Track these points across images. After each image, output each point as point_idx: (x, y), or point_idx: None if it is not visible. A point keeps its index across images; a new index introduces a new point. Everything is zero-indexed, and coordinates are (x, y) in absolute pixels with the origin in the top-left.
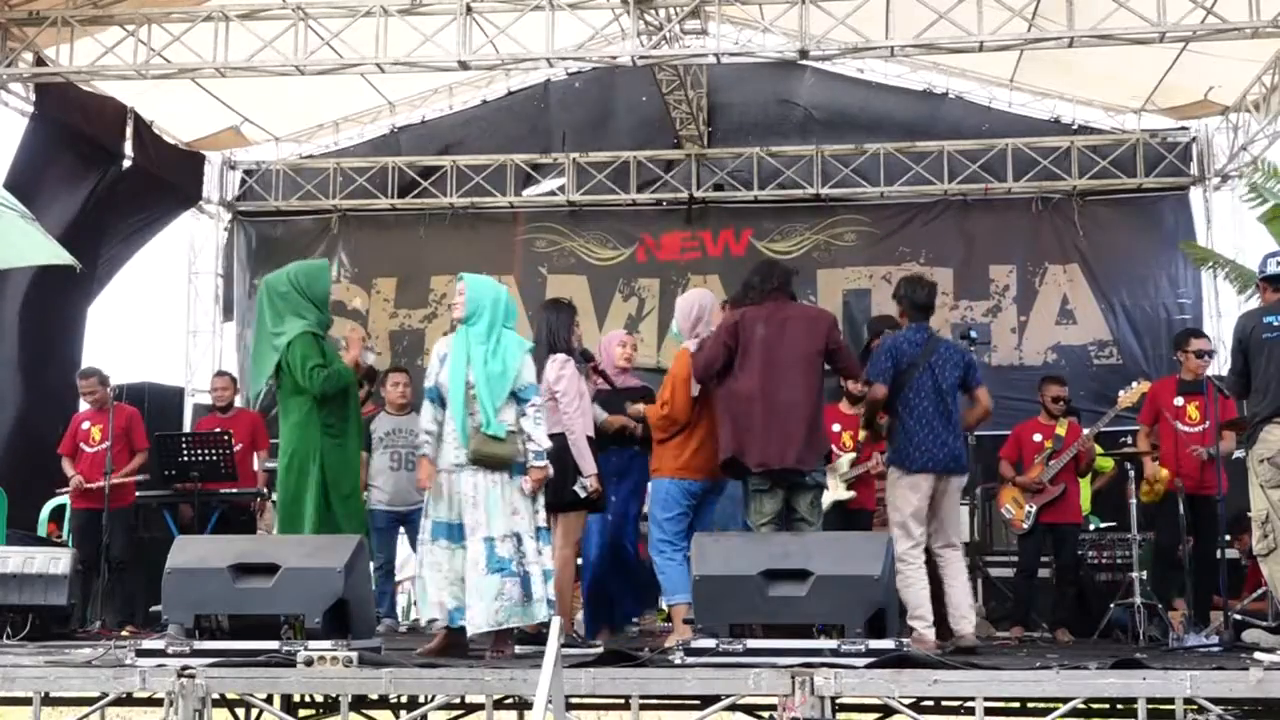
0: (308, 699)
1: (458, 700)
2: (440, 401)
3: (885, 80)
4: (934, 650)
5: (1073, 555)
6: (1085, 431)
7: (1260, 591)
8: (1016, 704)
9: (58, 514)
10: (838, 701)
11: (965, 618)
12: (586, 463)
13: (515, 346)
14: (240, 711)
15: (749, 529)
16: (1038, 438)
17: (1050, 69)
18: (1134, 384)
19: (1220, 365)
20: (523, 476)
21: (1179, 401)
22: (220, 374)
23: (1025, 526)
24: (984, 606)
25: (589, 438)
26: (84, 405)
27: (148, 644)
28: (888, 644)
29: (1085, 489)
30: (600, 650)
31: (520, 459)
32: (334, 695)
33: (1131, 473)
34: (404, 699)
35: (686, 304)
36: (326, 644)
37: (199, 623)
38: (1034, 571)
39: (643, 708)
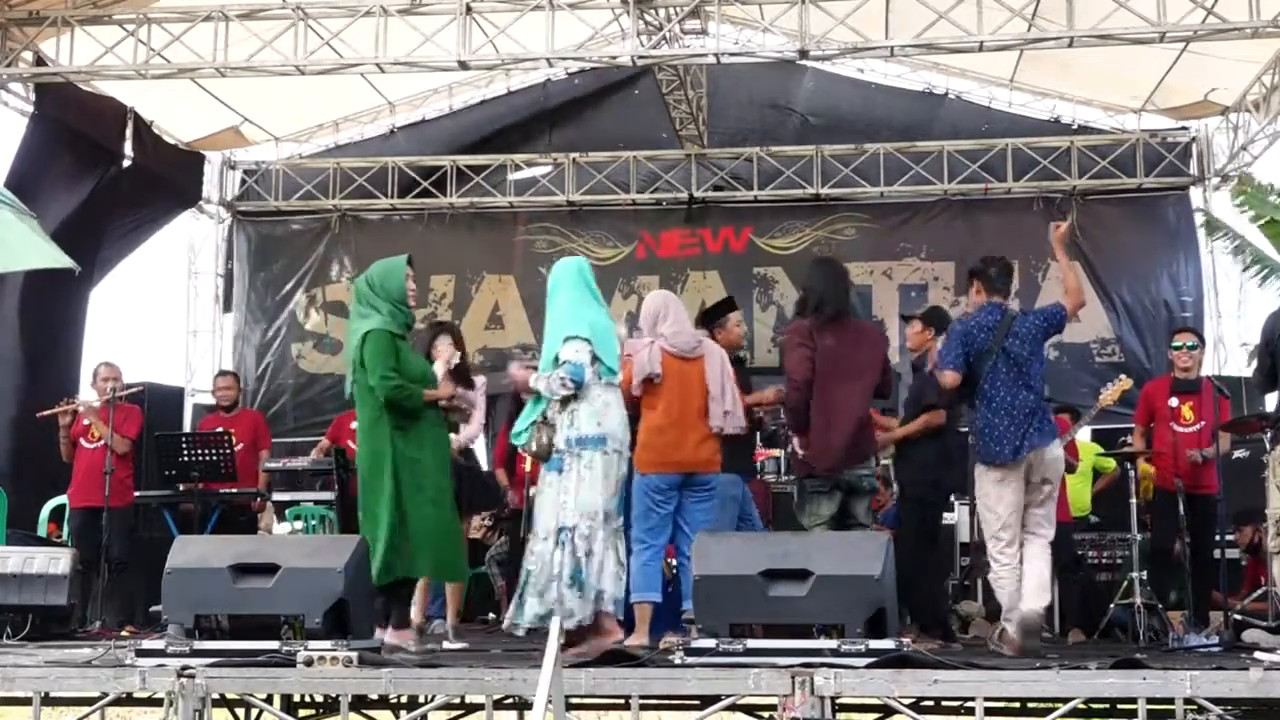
0: (308, 699)
1: (458, 700)
2: None
3: (885, 80)
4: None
5: (1071, 553)
6: (1071, 430)
7: (1260, 591)
8: (1016, 704)
9: (58, 514)
10: (838, 701)
11: (1033, 593)
12: None
13: (552, 341)
14: (240, 711)
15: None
16: None
17: (1050, 69)
18: (1111, 383)
19: (1219, 364)
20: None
21: (1174, 402)
22: (224, 373)
23: None
24: (983, 606)
25: None
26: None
27: (148, 644)
28: (888, 644)
29: (1086, 487)
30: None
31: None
32: (334, 695)
33: (1131, 473)
34: (404, 699)
35: (651, 304)
36: (326, 644)
37: (199, 623)
38: None
39: (643, 708)
